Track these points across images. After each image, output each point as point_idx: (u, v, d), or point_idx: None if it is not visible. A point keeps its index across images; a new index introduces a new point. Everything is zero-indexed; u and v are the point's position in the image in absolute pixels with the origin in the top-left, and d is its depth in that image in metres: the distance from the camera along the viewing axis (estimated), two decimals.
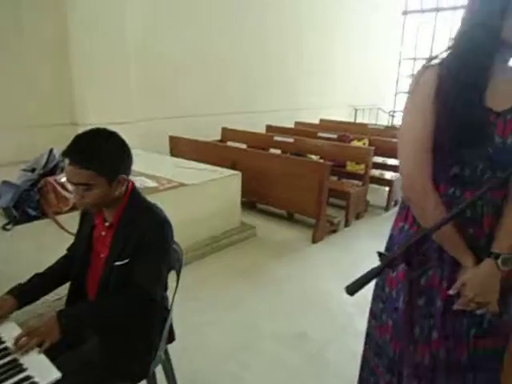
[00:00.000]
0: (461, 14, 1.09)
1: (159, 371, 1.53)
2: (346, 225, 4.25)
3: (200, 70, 5.54)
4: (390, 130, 6.10)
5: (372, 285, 1.20)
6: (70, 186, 2.34)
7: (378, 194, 5.15)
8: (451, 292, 1.05)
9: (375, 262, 0.86)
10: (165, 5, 4.95)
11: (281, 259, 3.40)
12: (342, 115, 8.19)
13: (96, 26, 4.13)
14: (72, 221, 1.65)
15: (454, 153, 1.03)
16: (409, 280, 1.05)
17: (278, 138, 5.14)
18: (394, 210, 4.08)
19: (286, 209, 4.34)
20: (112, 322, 1.26)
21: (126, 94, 4.53)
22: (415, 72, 1.11)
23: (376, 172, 5.22)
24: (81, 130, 1.26)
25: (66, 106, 4.32)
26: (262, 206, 4.60)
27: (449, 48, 1.07)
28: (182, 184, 3.20)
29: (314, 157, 5.15)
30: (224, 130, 5.74)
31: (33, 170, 2.56)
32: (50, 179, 2.45)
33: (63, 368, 1.01)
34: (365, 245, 3.67)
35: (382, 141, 4.98)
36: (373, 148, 4.53)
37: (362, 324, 1.37)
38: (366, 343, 1.34)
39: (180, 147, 4.98)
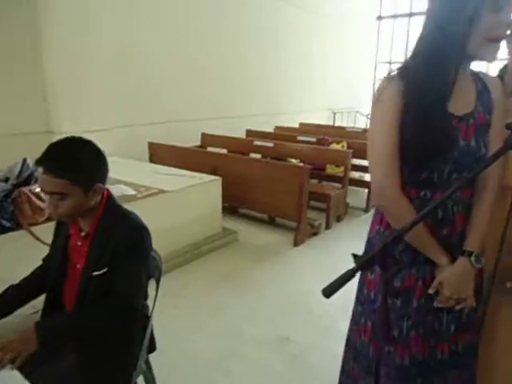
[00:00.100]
0: None
1: (141, 381, 1.50)
2: (327, 227, 4.29)
3: (178, 75, 5.51)
4: None
5: (354, 286, 1.22)
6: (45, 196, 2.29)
7: (357, 196, 5.23)
8: (430, 291, 1.09)
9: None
10: (142, 9, 4.90)
11: (263, 263, 3.40)
12: (321, 118, 8.28)
13: (71, 30, 4.03)
14: (48, 232, 1.61)
15: (422, 159, 1.05)
16: (384, 280, 1.07)
17: (257, 143, 5.15)
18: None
19: (267, 213, 4.35)
20: (92, 332, 1.23)
21: (102, 100, 4.44)
22: (379, 81, 1.13)
23: (356, 174, 5.30)
24: (56, 139, 1.23)
25: (40, 113, 4.21)
26: (243, 211, 4.60)
27: (411, 54, 1.09)
28: (162, 191, 3.16)
29: (293, 160, 5.19)
30: (204, 135, 5.72)
31: (6, 180, 2.50)
32: (25, 189, 2.40)
33: (40, 383, 0.99)
34: (346, 246, 3.69)
35: (360, 143, 5.05)
36: (351, 151, 4.59)
37: (345, 325, 1.38)
38: (346, 345, 1.36)
39: (159, 153, 4.93)
